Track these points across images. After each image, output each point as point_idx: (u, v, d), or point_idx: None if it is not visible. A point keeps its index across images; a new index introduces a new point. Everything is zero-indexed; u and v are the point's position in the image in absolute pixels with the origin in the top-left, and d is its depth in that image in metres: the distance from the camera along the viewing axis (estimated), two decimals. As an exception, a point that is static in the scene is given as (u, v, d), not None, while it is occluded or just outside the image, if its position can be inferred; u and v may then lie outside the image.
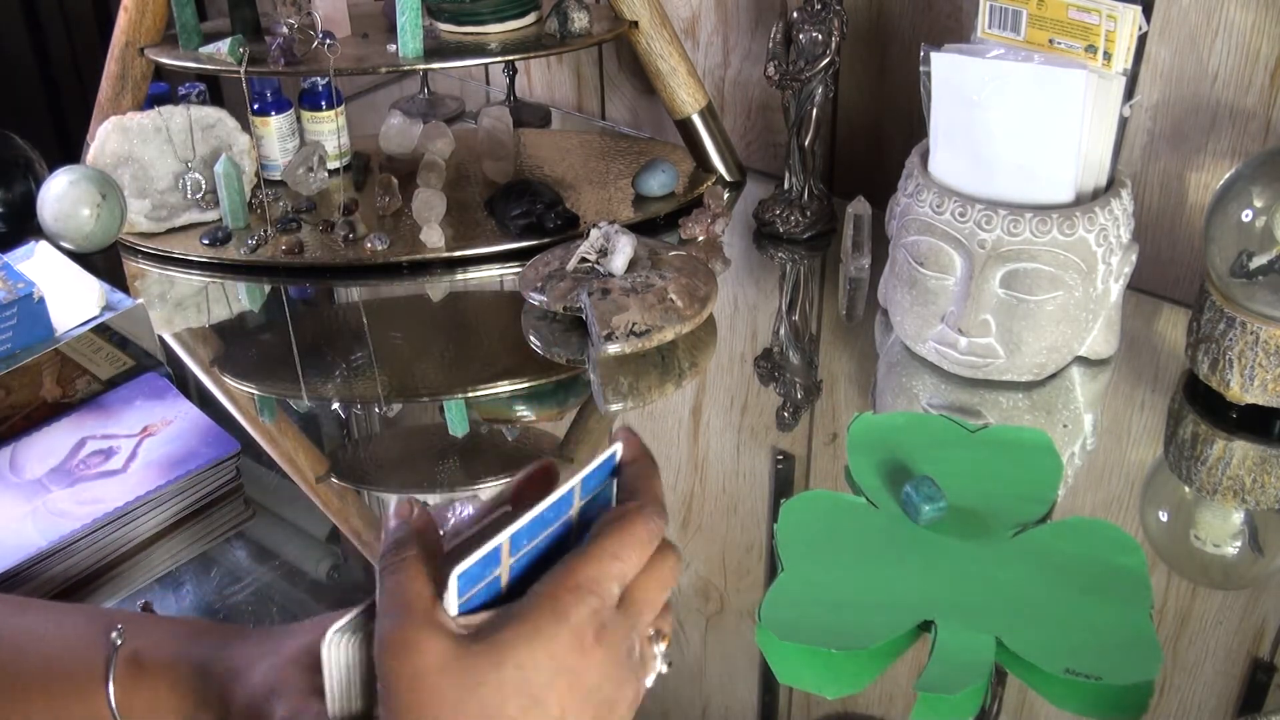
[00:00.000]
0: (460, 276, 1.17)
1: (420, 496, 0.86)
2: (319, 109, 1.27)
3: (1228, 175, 0.93)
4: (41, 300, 0.92)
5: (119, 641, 0.58)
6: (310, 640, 0.55)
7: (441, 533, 0.55)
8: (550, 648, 0.49)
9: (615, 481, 0.56)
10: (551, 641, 0.49)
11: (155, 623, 0.61)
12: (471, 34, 1.19)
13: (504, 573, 0.52)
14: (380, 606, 0.50)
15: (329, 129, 1.28)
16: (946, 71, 0.94)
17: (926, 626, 0.74)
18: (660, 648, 0.55)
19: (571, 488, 0.53)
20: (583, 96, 1.51)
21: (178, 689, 0.57)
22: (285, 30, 1.14)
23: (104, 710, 0.57)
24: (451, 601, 0.50)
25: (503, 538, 0.50)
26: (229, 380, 1.03)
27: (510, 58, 1.34)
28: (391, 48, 1.17)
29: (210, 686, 0.56)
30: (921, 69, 0.96)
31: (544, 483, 0.57)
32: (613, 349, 0.99)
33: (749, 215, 1.23)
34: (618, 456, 0.55)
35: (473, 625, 0.49)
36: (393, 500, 0.50)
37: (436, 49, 1.17)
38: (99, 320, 0.95)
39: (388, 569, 0.50)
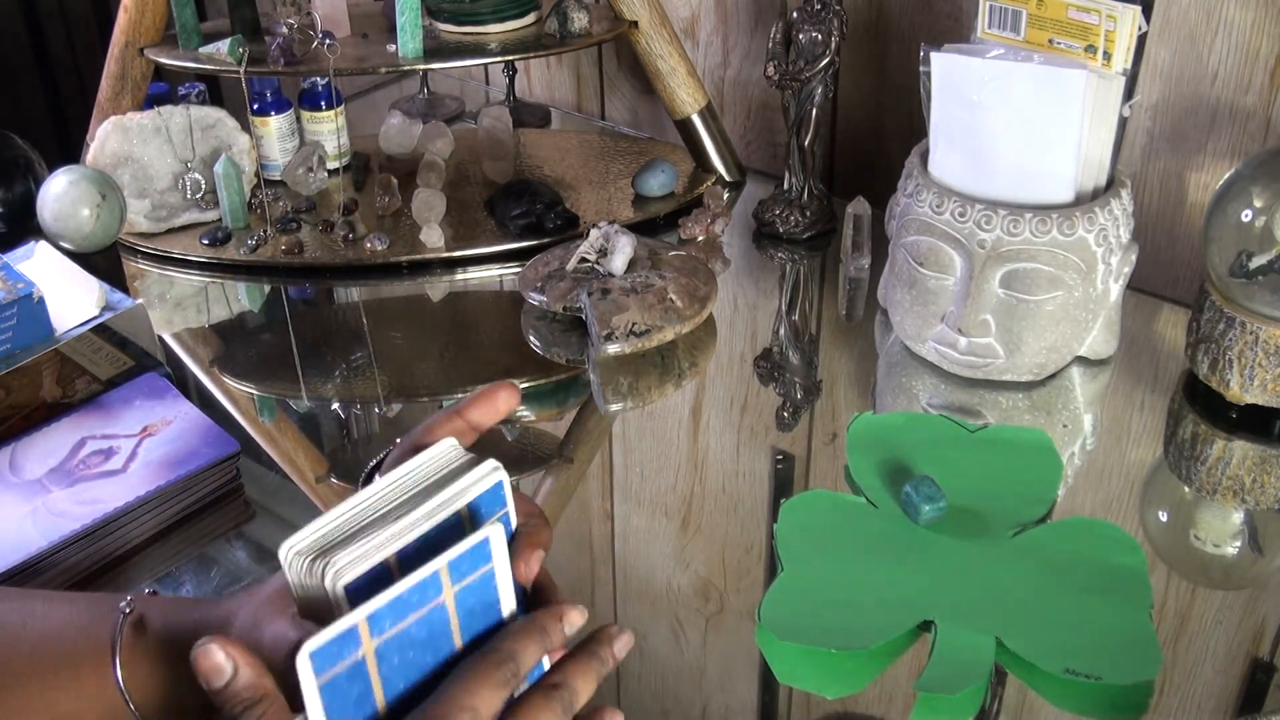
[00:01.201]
0: (460, 276, 1.17)
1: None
2: (319, 109, 1.27)
3: (1228, 175, 0.93)
4: (41, 300, 0.92)
5: (127, 610, 0.57)
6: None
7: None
8: None
9: (503, 567, 0.54)
10: None
11: (152, 600, 0.61)
12: (471, 34, 1.19)
13: (372, 667, 0.50)
14: None
15: (329, 129, 1.28)
16: (946, 71, 0.94)
17: (926, 626, 0.74)
18: None
19: (435, 570, 0.51)
20: (582, 96, 1.51)
21: (177, 653, 0.56)
22: (285, 30, 1.14)
23: (100, 692, 0.56)
24: (309, 685, 0.48)
25: (358, 616, 0.49)
26: (229, 380, 1.03)
27: (510, 58, 1.34)
28: (391, 48, 1.17)
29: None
30: (921, 69, 0.96)
31: (488, 405, 0.59)
32: (613, 349, 0.99)
33: (749, 215, 1.23)
34: (493, 544, 0.53)
35: None
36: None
37: (436, 49, 1.17)
38: (99, 320, 0.95)
39: None
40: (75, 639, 0.58)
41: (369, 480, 0.62)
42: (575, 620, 0.55)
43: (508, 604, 0.55)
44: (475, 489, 0.55)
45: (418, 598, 0.51)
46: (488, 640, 0.54)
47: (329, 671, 0.49)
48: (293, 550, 0.52)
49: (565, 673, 0.53)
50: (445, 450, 0.57)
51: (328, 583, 0.50)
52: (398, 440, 0.62)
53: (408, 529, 0.52)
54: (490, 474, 0.56)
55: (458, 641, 0.53)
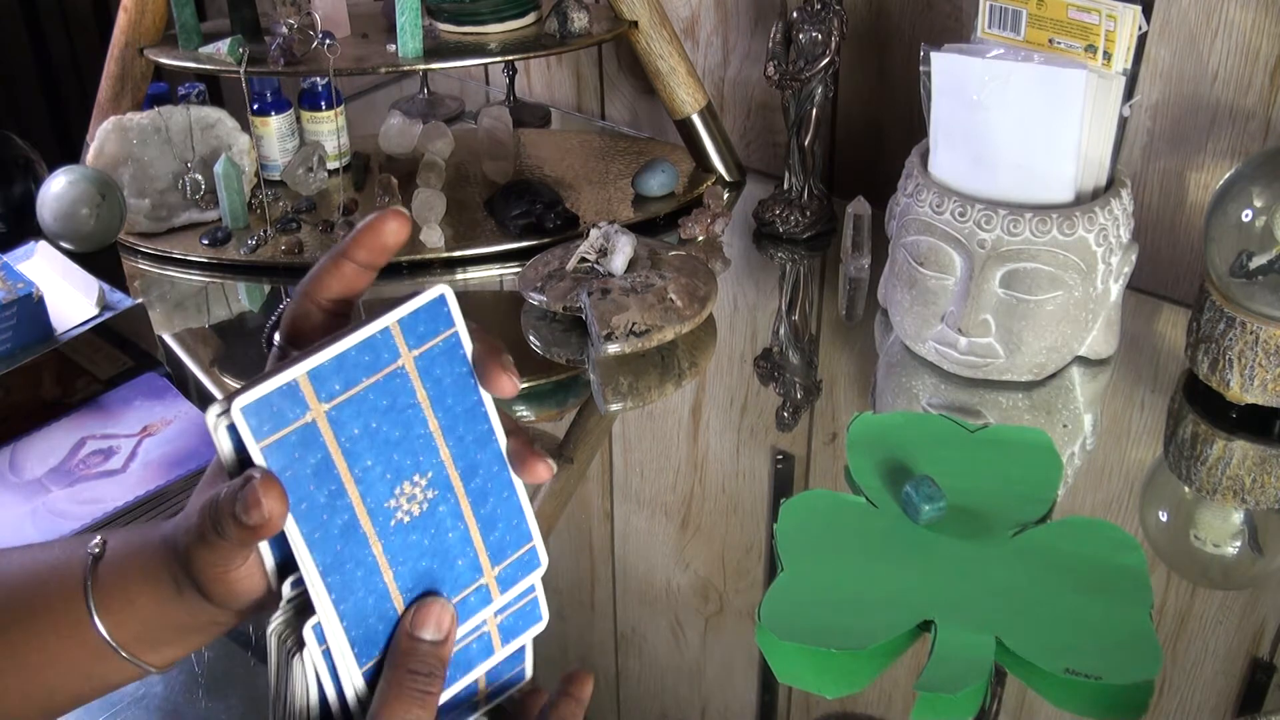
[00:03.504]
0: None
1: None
2: (319, 109, 1.27)
3: (1228, 175, 0.93)
4: (41, 300, 0.92)
5: (96, 550, 0.56)
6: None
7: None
8: None
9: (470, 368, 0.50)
10: None
11: (114, 534, 0.59)
12: (471, 34, 1.19)
13: (327, 433, 0.46)
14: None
15: (329, 129, 1.28)
16: (946, 71, 0.94)
17: (926, 626, 0.74)
18: None
19: (385, 327, 0.47)
20: (582, 96, 1.51)
21: (150, 584, 0.54)
22: (285, 30, 1.14)
23: (78, 631, 0.54)
24: (250, 446, 0.45)
25: (297, 370, 0.45)
26: (229, 380, 1.03)
27: (510, 58, 1.34)
28: (391, 48, 1.17)
29: (176, 560, 0.53)
30: (921, 69, 0.96)
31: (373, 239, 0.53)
32: (612, 349, 0.99)
33: (749, 215, 1.23)
34: (450, 302, 0.49)
35: None
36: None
37: (436, 49, 1.17)
38: (99, 320, 0.95)
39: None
40: (49, 581, 0.56)
41: (269, 342, 0.57)
42: (587, 690, 0.56)
43: (486, 392, 0.51)
44: (408, 307, 0.48)
45: (369, 358, 0.47)
46: (477, 448, 0.50)
47: (274, 433, 0.45)
48: (212, 414, 0.47)
49: None
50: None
51: (233, 412, 0.44)
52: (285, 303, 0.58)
53: (321, 352, 0.46)
54: (428, 292, 0.49)
55: (430, 415, 0.49)
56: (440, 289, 0.49)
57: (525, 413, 1.01)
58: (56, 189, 1.11)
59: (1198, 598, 0.80)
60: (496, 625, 0.54)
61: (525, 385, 1.03)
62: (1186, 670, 0.74)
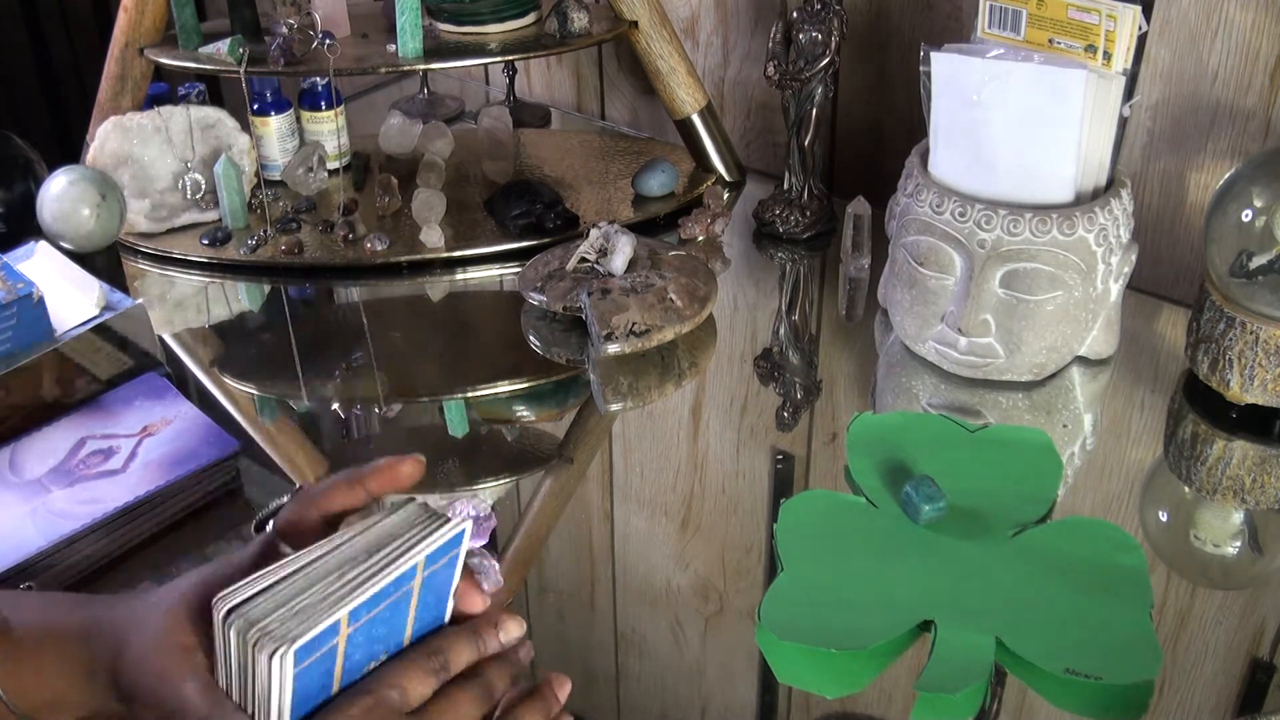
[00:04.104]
0: (460, 276, 1.17)
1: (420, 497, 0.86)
2: (319, 109, 1.27)
3: (1228, 175, 0.93)
4: (41, 300, 0.92)
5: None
6: (191, 592, 0.56)
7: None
8: None
9: (458, 559, 0.57)
10: None
11: (32, 598, 0.60)
12: (471, 34, 1.19)
13: (341, 652, 0.52)
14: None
15: (329, 129, 1.28)
16: (946, 71, 0.94)
17: (926, 626, 0.74)
18: None
19: (414, 564, 0.54)
20: (582, 96, 1.51)
21: (64, 658, 0.57)
22: (285, 30, 1.14)
23: None
24: (288, 678, 0.50)
25: (342, 611, 0.51)
26: (229, 380, 1.03)
27: (510, 58, 1.34)
28: (391, 48, 1.17)
29: (98, 652, 0.56)
30: (921, 69, 0.96)
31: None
32: (612, 349, 0.99)
33: (749, 215, 1.23)
34: (467, 533, 0.56)
35: None
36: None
37: (436, 49, 1.17)
38: (99, 320, 0.95)
39: None
40: None
41: (258, 529, 0.62)
42: (512, 630, 0.59)
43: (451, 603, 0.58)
44: (436, 540, 0.55)
45: (393, 587, 0.53)
46: (438, 609, 0.57)
47: (306, 660, 0.51)
48: (233, 614, 0.52)
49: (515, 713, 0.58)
50: (408, 512, 0.58)
51: (284, 654, 0.50)
52: (283, 499, 0.63)
53: (359, 591, 0.53)
54: (454, 524, 0.56)
55: (412, 613, 0.55)
56: (466, 523, 0.56)
57: (526, 413, 1.01)
58: (56, 189, 1.11)
59: (1198, 598, 0.80)
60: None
61: (525, 385, 1.03)
62: (1186, 670, 0.74)
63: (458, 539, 0.56)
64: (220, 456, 0.88)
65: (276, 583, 0.53)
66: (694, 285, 1.03)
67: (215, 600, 0.52)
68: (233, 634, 0.51)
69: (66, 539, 0.81)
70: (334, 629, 0.51)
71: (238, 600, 0.52)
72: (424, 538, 0.54)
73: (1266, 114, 1.03)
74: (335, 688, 0.54)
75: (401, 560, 0.53)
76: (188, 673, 0.53)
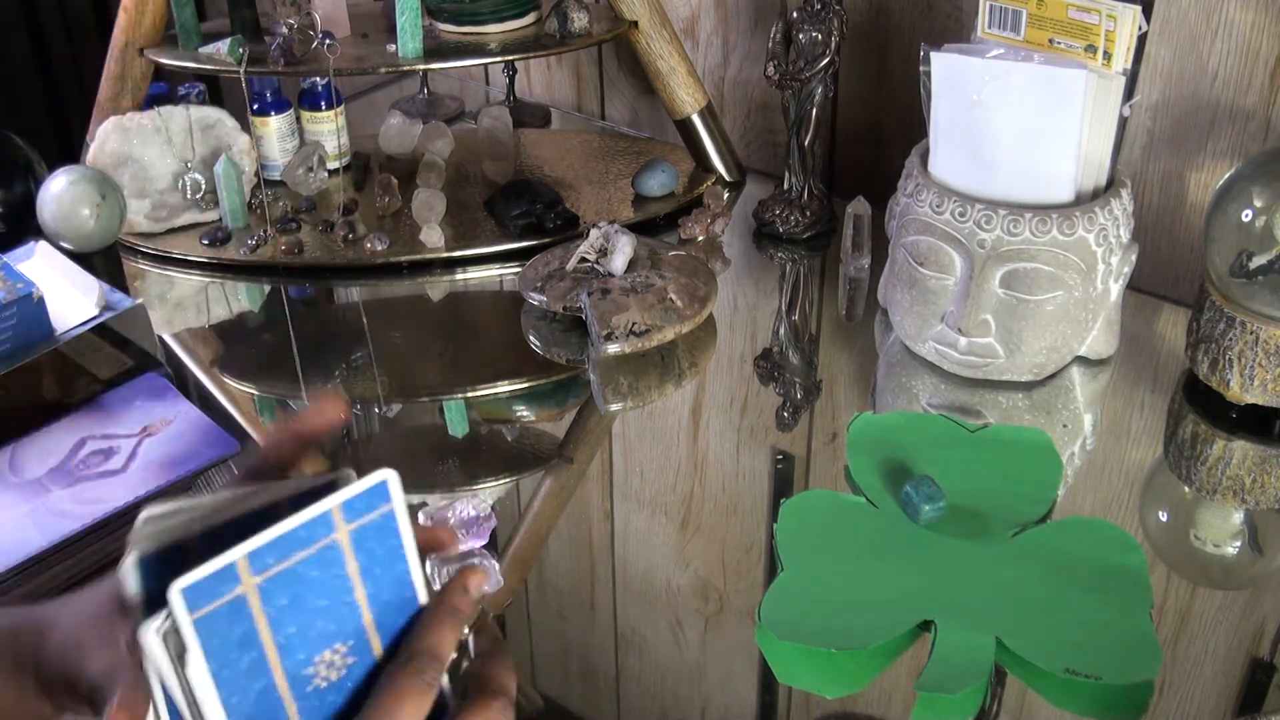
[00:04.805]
0: (460, 276, 1.17)
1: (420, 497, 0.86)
2: (319, 109, 1.27)
3: (1228, 175, 0.93)
4: (41, 300, 0.92)
5: None
6: (112, 585, 0.54)
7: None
8: None
9: (406, 542, 0.51)
10: None
11: None
12: (471, 34, 1.19)
13: (255, 605, 0.48)
14: None
15: (329, 129, 1.28)
16: (946, 71, 0.94)
17: (926, 626, 0.74)
18: None
19: (328, 509, 0.49)
20: (582, 96, 1.51)
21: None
22: (285, 30, 1.14)
23: None
24: (184, 623, 0.46)
25: (237, 553, 0.46)
26: (229, 380, 1.03)
27: (510, 58, 1.34)
28: (391, 48, 1.17)
29: (22, 648, 0.56)
30: (921, 69, 0.96)
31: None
32: (612, 349, 0.99)
33: (749, 215, 1.23)
34: (394, 486, 0.51)
35: None
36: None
37: (436, 49, 1.17)
38: (99, 320, 0.95)
39: None
40: None
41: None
42: (476, 582, 0.54)
43: (414, 560, 0.52)
44: (351, 490, 0.50)
45: (305, 534, 0.49)
46: (398, 614, 0.52)
47: (204, 607, 0.46)
48: (128, 561, 0.48)
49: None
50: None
51: (170, 594, 0.46)
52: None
53: (261, 534, 0.48)
54: (373, 475, 0.51)
55: (357, 584, 0.51)
56: (385, 474, 0.51)
57: (526, 413, 1.01)
58: (56, 189, 1.11)
59: (1198, 598, 0.80)
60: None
61: (525, 385, 1.03)
62: (1186, 670, 0.74)
63: (381, 490, 0.50)
64: (220, 456, 0.88)
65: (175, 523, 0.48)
66: (694, 285, 1.03)
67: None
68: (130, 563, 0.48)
69: (66, 539, 0.81)
70: (231, 572, 0.47)
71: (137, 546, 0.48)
72: (339, 490, 0.50)
73: (1266, 114, 1.03)
74: (276, 675, 0.49)
75: (312, 509, 0.48)
76: (106, 643, 0.53)
